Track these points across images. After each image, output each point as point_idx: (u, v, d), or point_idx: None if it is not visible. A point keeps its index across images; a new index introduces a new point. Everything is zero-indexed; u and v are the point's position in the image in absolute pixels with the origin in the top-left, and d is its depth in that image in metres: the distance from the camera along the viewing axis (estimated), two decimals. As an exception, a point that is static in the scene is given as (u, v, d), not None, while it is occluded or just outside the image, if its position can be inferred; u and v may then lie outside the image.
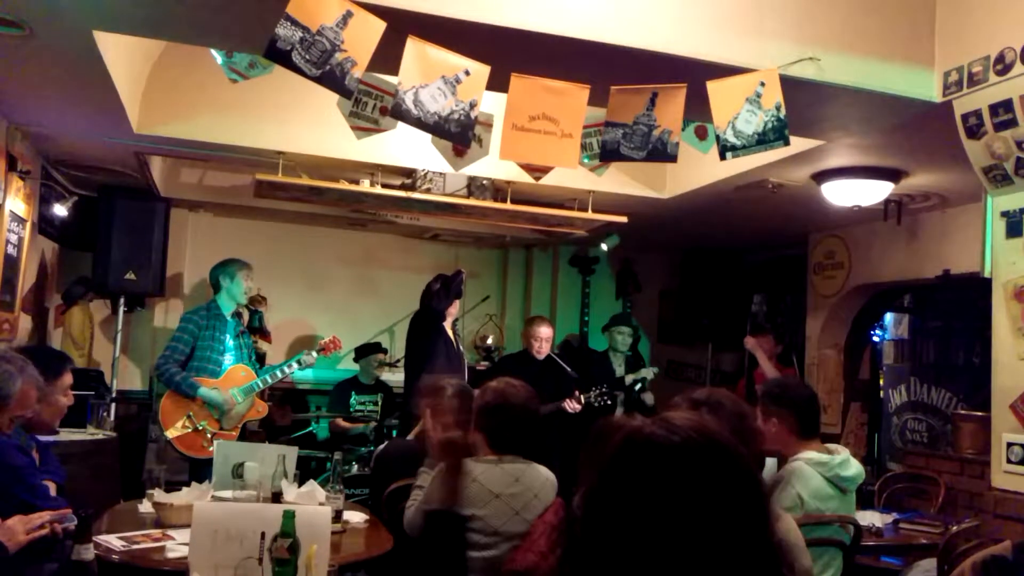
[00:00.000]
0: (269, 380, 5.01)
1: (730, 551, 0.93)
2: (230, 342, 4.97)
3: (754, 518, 0.96)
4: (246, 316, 6.14)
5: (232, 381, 4.87)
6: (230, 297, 5.01)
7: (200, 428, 4.76)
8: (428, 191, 5.13)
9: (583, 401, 5.39)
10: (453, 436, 2.89)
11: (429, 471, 3.06)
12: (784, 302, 7.08)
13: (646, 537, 0.93)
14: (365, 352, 6.24)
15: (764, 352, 5.80)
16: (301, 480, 3.53)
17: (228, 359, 4.93)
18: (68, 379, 3.09)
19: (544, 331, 5.65)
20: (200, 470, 4.45)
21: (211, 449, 4.64)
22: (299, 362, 5.11)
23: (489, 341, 7.16)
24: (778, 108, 3.05)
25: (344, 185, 4.93)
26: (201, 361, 4.83)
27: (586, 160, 3.78)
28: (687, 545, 0.92)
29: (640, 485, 0.95)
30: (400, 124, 3.09)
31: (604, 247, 6.51)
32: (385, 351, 6.42)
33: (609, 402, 5.55)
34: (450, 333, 5.28)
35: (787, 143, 3.12)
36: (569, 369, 5.55)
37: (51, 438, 4.16)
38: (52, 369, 2.94)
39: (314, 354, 5.20)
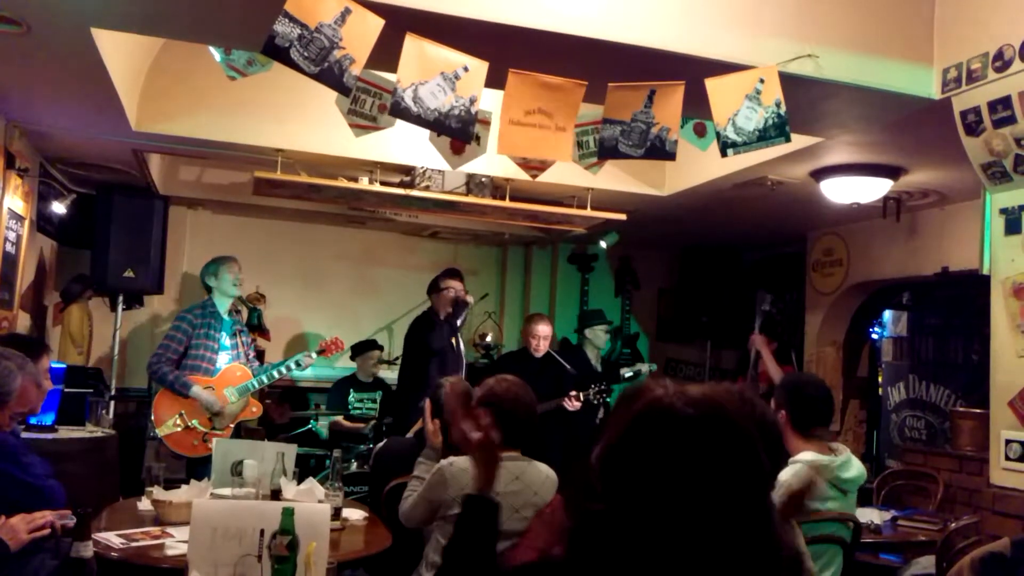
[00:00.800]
0: (265, 380, 4.97)
1: (727, 516, 1.03)
2: (226, 341, 4.94)
3: (753, 490, 1.06)
4: (245, 314, 6.12)
5: (227, 380, 4.85)
6: (222, 294, 4.99)
7: (191, 426, 4.75)
8: (427, 188, 5.12)
9: (582, 399, 5.39)
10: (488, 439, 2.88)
11: (427, 462, 3.07)
12: (785, 300, 7.08)
13: (652, 496, 1.04)
14: (360, 350, 6.23)
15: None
16: (300, 477, 3.53)
17: (223, 358, 4.89)
18: (45, 363, 3.19)
19: (543, 329, 5.64)
20: (196, 468, 4.45)
21: (200, 447, 4.67)
22: (297, 363, 5.07)
23: (488, 339, 7.15)
24: (778, 105, 3.04)
25: (343, 183, 4.92)
26: (195, 360, 4.81)
27: (583, 157, 3.76)
28: (688, 505, 1.03)
29: (653, 449, 1.05)
30: (398, 121, 3.09)
31: (603, 244, 6.50)
32: (380, 348, 6.41)
33: (609, 400, 5.55)
34: (450, 332, 5.30)
35: (788, 139, 3.12)
36: (568, 367, 5.55)
37: (48, 435, 4.19)
38: (30, 355, 2.98)
39: (313, 355, 5.16)
